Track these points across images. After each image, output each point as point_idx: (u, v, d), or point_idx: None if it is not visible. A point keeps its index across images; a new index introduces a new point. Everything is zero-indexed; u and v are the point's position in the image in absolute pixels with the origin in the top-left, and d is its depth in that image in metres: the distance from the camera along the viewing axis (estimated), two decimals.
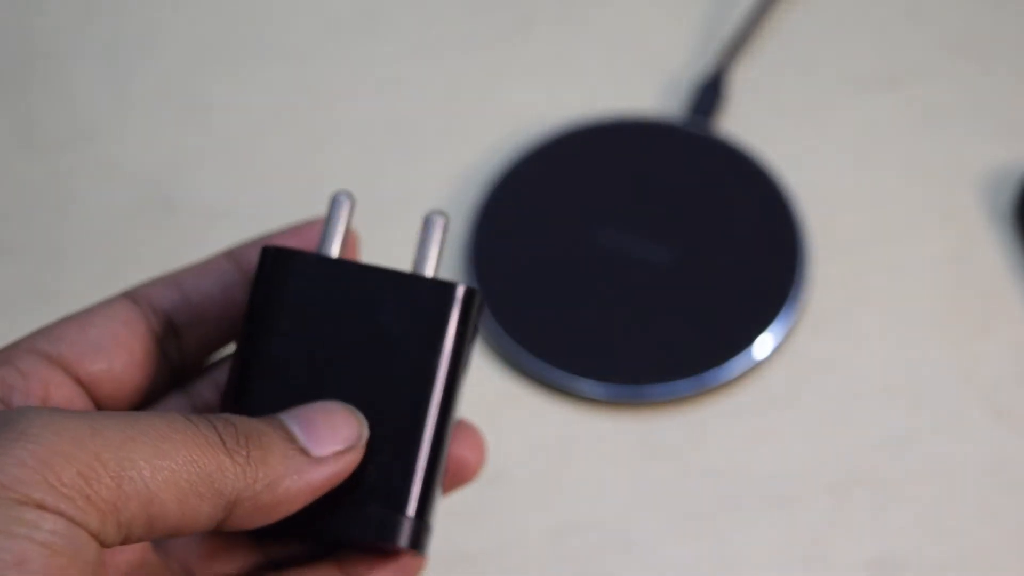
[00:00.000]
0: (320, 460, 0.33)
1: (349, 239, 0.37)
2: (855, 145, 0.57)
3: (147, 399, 0.38)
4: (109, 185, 0.58)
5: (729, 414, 0.51)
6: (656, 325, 0.53)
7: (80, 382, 0.36)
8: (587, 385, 0.51)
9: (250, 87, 0.60)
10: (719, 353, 0.52)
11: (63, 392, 0.35)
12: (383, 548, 0.36)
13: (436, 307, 0.35)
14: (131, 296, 0.37)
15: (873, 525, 0.49)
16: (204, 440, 0.31)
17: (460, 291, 0.36)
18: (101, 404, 0.36)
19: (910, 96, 0.58)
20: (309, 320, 0.35)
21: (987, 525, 0.49)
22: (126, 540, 0.30)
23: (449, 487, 0.39)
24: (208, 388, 0.39)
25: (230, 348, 0.39)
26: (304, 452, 0.33)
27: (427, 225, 0.37)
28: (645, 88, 0.59)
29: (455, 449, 0.38)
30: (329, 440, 0.34)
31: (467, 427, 0.39)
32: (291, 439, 0.33)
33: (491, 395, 0.52)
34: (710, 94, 0.58)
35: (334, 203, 0.37)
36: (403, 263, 0.38)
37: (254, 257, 0.37)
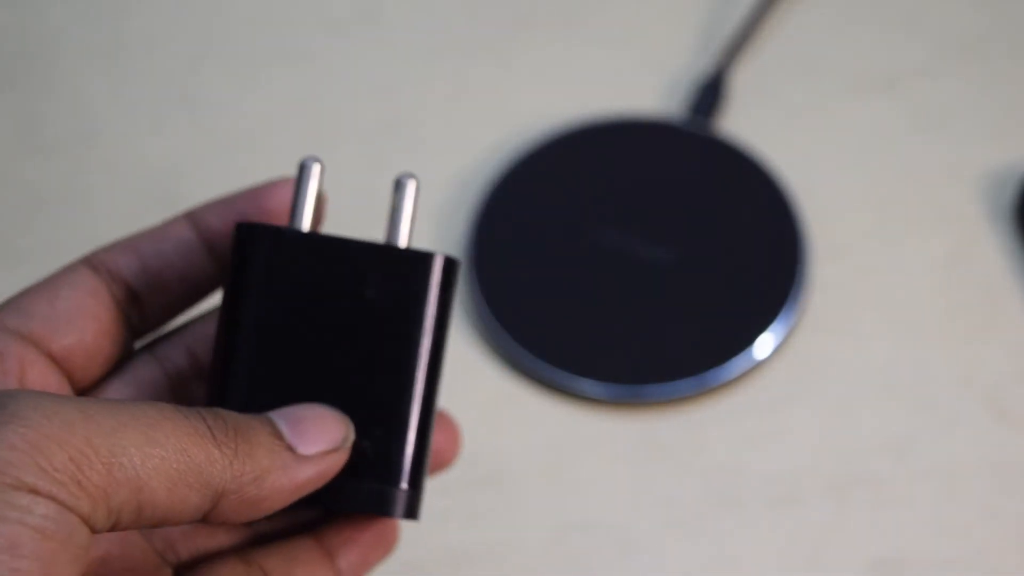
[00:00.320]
0: (306, 458, 0.34)
1: (320, 204, 0.37)
2: (855, 145, 0.57)
3: (116, 367, 0.37)
4: (112, 185, 0.58)
5: (729, 414, 0.51)
6: (656, 325, 0.53)
7: (52, 357, 0.35)
8: (587, 385, 0.51)
9: (252, 87, 0.60)
10: (719, 353, 0.52)
11: (37, 369, 0.35)
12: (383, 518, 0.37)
13: (417, 278, 0.36)
14: (91, 263, 0.37)
15: (873, 525, 0.49)
16: (194, 430, 0.31)
17: (439, 260, 0.36)
18: (73, 376, 0.36)
19: (910, 96, 0.58)
20: (290, 298, 0.35)
21: (988, 525, 0.49)
22: (115, 527, 0.30)
23: (429, 471, 0.39)
24: (177, 351, 0.38)
25: (196, 310, 0.39)
26: (290, 449, 0.33)
27: (398, 189, 0.37)
28: (645, 88, 0.59)
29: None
30: (315, 439, 0.34)
31: (441, 416, 0.39)
32: (278, 436, 0.33)
33: (491, 395, 0.52)
34: (710, 94, 0.58)
35: (302, 169, 0.36)
36: None
37: (213, 221, 0.37)
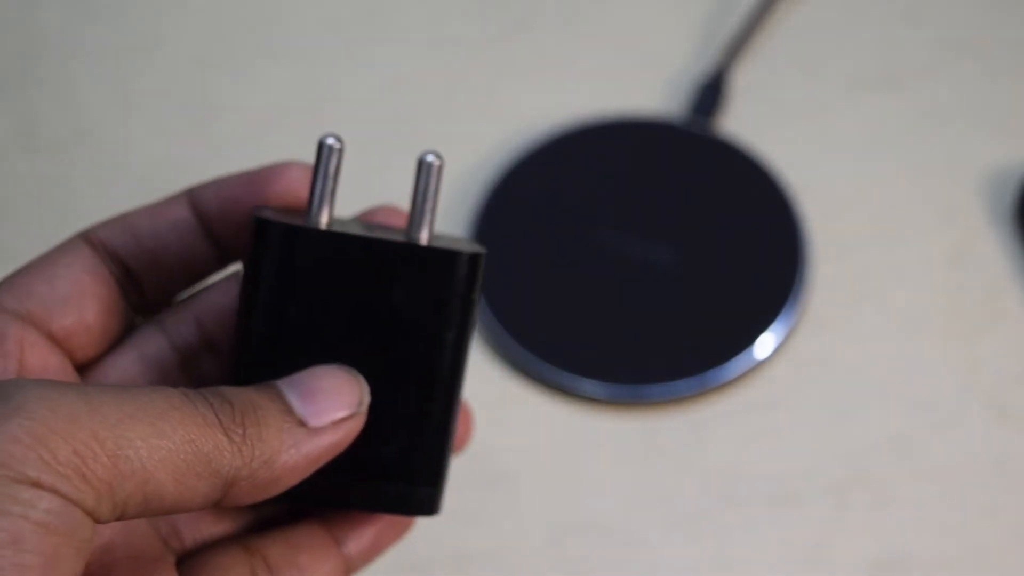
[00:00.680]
0: (318, 431, 0.33)
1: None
2: (855, 145, 0.57)
3: (122, 340, 0.37)
4: (111, 185, 0.58)
5: (730, 414, 0.51)
6: (657, 325, 0.53)
7: (52, 338, 0.35)
8: (588, 385, 0.51)
9: (251, 87, 0.60)
10: (720, 353, 0.52)
11: (37, 350, 0.35)
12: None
13: (442, 277, 0.34)
14: (88, 239, 0.36)
15: (873, 525, 0.49)
16: (201, 419, 0.31)
17: (464, 259, 0.35)
18: (74, 356, 0.36)
19: (910, 96, 0.58)
20: (311, 300, 0.34)
21: (988, 525, 0.49)
22: (121, 517, 0.30)
23: None
24: (186, 324, 0.37)
25: (204, 284, 0.38)
26: (302, 423, 0.33)
27: (423, 170, 0.35)
28: (645, 88, 0.59)
29: None
30: (328, 408, 0.33)
31: None
32: (288, 411, 0.33)
33: (492, 395, 0.52)
34: (711, 94, 0.58)
35: (323, 150, 0.35)
36: None
37: (211, 200, 0.37)
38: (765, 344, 0.52)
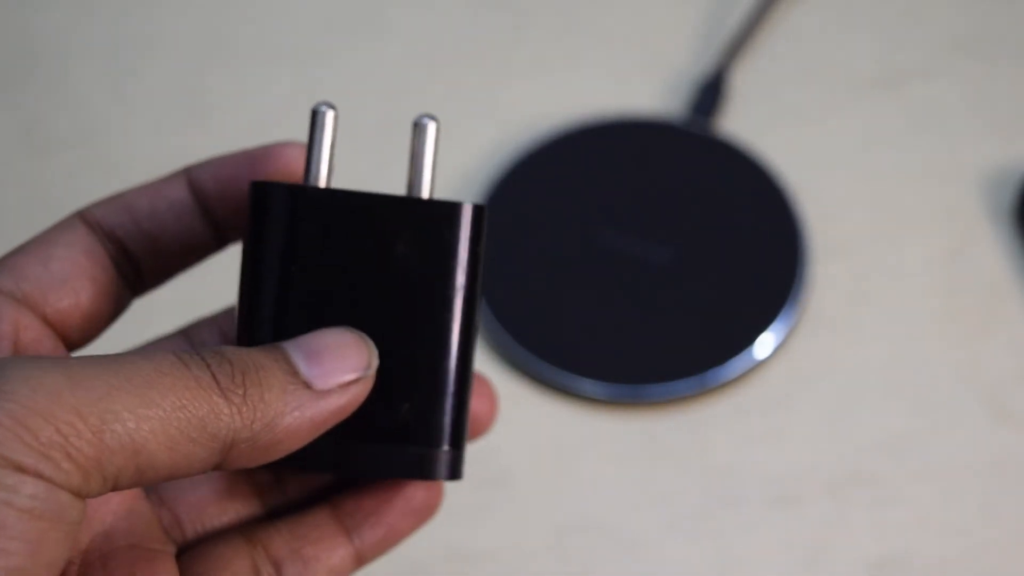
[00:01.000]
0: (324, 393, 0.32)
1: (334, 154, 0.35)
2: (855, 145, 0.57)
3: (147, 346, 0.37)
4: (111, 185, 0.57)
5: (730, 414, 0.51)
6: (657, 325, 0.53)
7: (47, 320, 0.34)
8: (588, 385, 0.52)
9: (250, 87, 0.60)
10: (720, 353, 0.52)
11: (31, 332, 0.34)
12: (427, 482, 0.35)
13: (446, 230, 0.34)
14: (85, 219, 0.36)
15: (873, 525, 0.49)
16: (195, 382, 0.30)
17: (468, 209, 0.34)
18: (70, 338, 0.35)
19: (910, 96, 0.58)
20: (314, 261, 0.33)
21: (987, 525, 0.49)
22: (115, 488, 0.29)
23: None
24: (210, 332, 0.37)
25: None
26: (307, 385, 0.31)
27: (418, 132, 0.35)
28: (645, 88, 0.59)
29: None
30: (335, 371, 0.32)
31: (478, 379, 0.36)
32: (293, 372, 0.31)
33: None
34: (711, 94, 0.58)
35: (316, 117, 0.34)
36: None
37: (209, 180, 0.36)
38: (765, 344, 0.52)
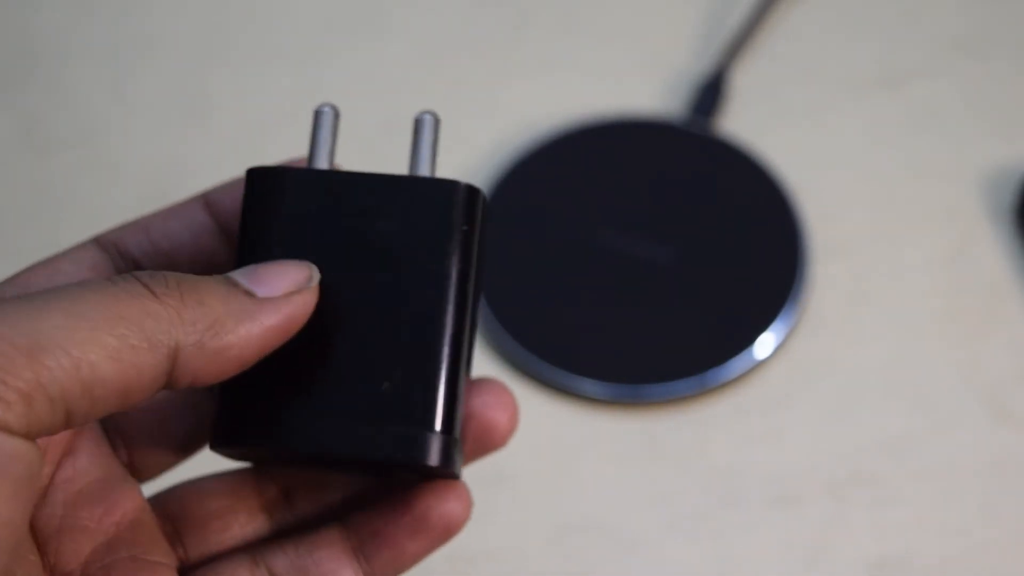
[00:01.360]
0: (268, 300, 0.31)
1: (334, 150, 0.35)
2: (855, 145, 0.57)
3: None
4: (110, 184, 0.58)
5: (730, 414, 0.51)
6: (657, 325, 0.53)
7: None
8: (588, 385, 0.51)
9: (250, 87, 0.60)
10: (720, 353, 0.52)
11: None
12: (414, 470, 0.34)
13: (439, 207, 0.33)
14: (99, 242, 0.36)
15: (873, 525, 0.49)
16: (125, 293, 0.29)
17: (462, 187, 0.33)
18: None
19: (910, 96, 0.58)
20: (309, 236, 0.33)
21: (987, 525, 0.49)
22: (72, 420, 0.28)
23: (476, 453, 0.36)
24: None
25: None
26: (248, 294, 0.31)
27: (419, 126, 0.35)
28: (645, 88, 0.59)
29: (482, 410, 0.35)
30: (275, 283, 0.32)
31: (494, 385, 0.36)
32: (233, 283, 0.31)
33: None
34: (711, 94, 0.58)
35: (318, 116, 0.35)
36: None
37: (227, 201, 0.36)
38: (765, 344, 0.52)
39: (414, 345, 0.33)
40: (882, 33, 0.60)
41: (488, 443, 0.36)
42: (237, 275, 0.32)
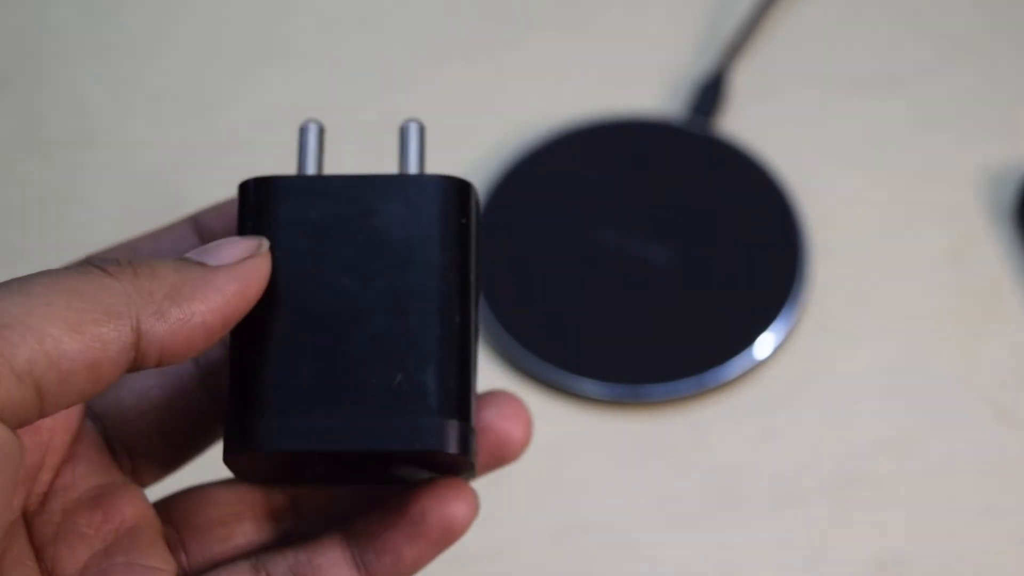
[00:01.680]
0: (222, 267, 0.31)
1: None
2: (855, 145, 0.57)
3: None
4: (113, 185, 0.58)
5: (730, 414, 0.51)
6: (657, 325, 0.53)
7: None
8: (588, 385, 0.51)
9: (252, 86, 0.60)
10: (720, 353, 0.52)
11: None
12: (433, 460, 0.33)
13: (435, 202, 0.34)
14: (91, 260, 0.35)
15: (873, 525, 0.49)
16: (79, 273, 0.30)
17: (455, 181, 0.34)
18: None
19: (910, 96, 0.58)
20: (306, 240, 0.33)
21: (988, 525, 0.49)
22: (46, 400, 0.28)
23: (491, 465, 0.36)
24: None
25: None
26: (201, 264, 0.31)
27: (404, 133, 0.36)
28: (645, 88, 0.59)
29: (496, 422, 0.35)
30: (227, 254, 0.32)
31: (507, 397, 0.36)
32: (185, 259, 0.32)
33: None
34: (710, 94, 0.58)
35: (302, 132, 0.35)
36: None
37: (216, 224, 0.36)
38: (765, 344, 0.52)
39: (424, 336, 0.33)
40: (882, 33, 0.60)
41: (503, 456, 0.35)
42: (189, 254, 0.32)
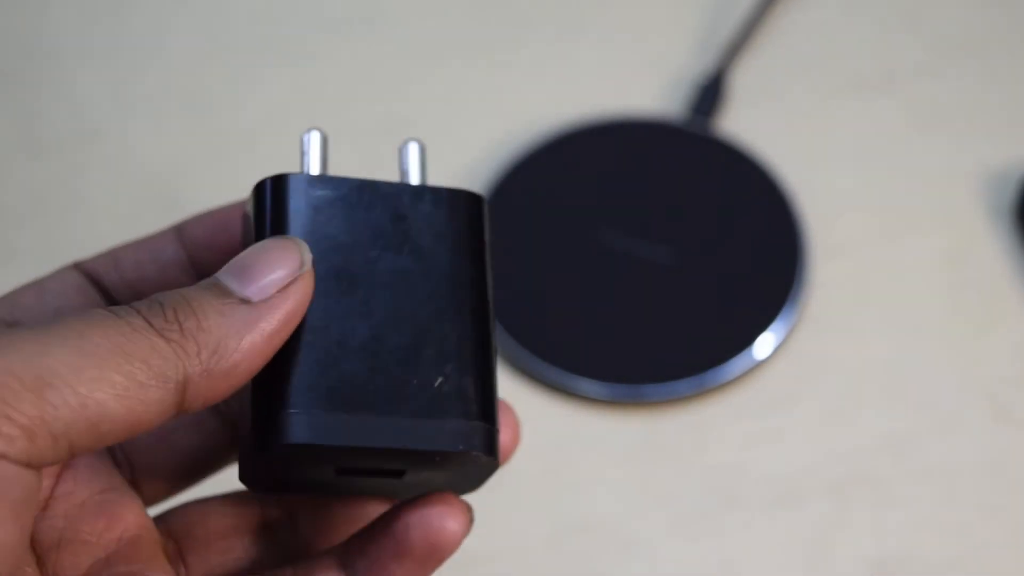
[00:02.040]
0: (266, 303, 0.31)
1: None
2: (855, 145, 0.57)
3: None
4: (114, 185, 0.58)
5: (730, 414, 0.51)
6: (657, 325, 0.53)
7: None
8: (588, 385, 0.52)
9: (252, 87, 0.60)
10: (720, 353, 0.52)
11: None
12: (466, 462, 0.33)
13: (455, 214, 0.34)
14: (77, 267, 0.36)
15: (873, 525, 0.49)
16: (128, 327, 0.29)
17: (476, 196, 0.35)
18: None
19: (910, 96, 0.58)
20: (328, 241, 0.33)
21: (987, 525, 0.49)
22: (75, 451, 0.28)
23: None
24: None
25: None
26: (244, 302, 0.30)
27: (403, 153, 0.36)
28: (645, 88, 0.59)
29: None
30: (268, 280, 0.31)
31: (501, 403, 0.35)
32: (226, 294, 0.31)
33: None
34: (710, 94, 0.58)
35: (304, 141, 0.35)
36: None
37: (198, 233, 0.36)
38: (765, 344, 0.52)
39: (463, 343, 0.33)
40: (882, 33, 0.60)
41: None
42: (227, 279, 0.31)
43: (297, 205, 0.34)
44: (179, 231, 0.36)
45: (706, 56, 0.60)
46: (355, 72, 0.60)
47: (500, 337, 0.53)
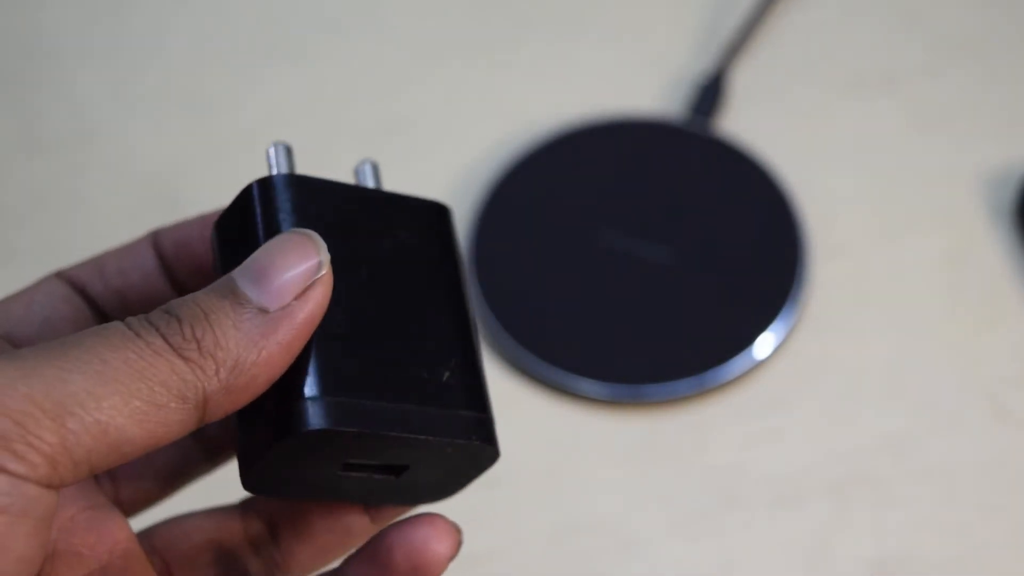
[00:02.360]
0: (282, 311, 0.30)
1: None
2: (855, 145, 0.57)
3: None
4: (114, 185, 0.58)
5: (730, 414, 0.51)
6: (657, 325, 0.53)
7: None
8: (588, 385, 0.51)
9: (252, 87, 0.60)
10: (720, 353, 0.52)
11: None
12: (472, 453, 0.34)
13: (437, 222, 0.35)
14: (61, 276, 0.36)
15: (873, 525, 0.49)
16: (148, 349, 0.29)
17: (443, 206, 0.36)
18: None
19: (910, 96, 0.58)
20: (336, 238, 0.33)
21: (987, 525, 0.49)
22: (93, 471, 0.28)
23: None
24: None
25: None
26: (262, 311, 0.30)
27: (359, 175, 0.36)
28: (645, 88, 0.59)
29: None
30: (285, 285, 0.30)
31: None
32: (243, 302, 0.30)
33: (492, 395, 0.52)
34: (710, 94, 0.58)
35: (269, 156, 0.35)
36: None
37: (168, 245, 0.36)
38: (765, 344, 0.52)
39: (457, 339, 0.34)
40: (882, 34, 0.60)
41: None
42: (244, 283, 0.31)
43: (298, 201, 0.34)
44: (154, 239, 0.36)
45: (706, 56, 0.60)
46: (355, 72, 0.60)
47: (500, 337, 0.52)
